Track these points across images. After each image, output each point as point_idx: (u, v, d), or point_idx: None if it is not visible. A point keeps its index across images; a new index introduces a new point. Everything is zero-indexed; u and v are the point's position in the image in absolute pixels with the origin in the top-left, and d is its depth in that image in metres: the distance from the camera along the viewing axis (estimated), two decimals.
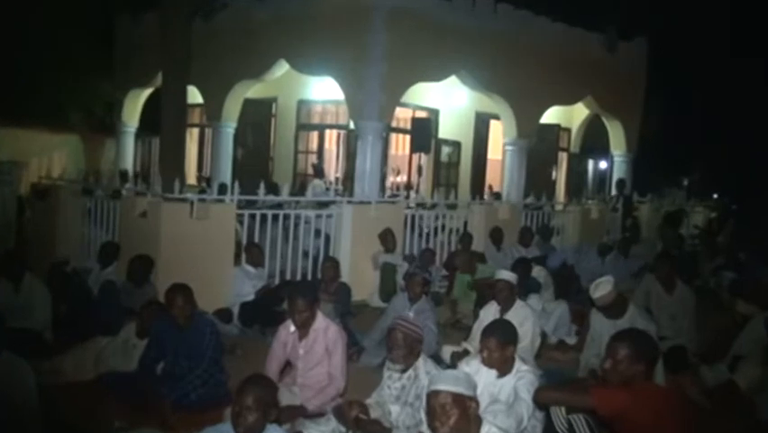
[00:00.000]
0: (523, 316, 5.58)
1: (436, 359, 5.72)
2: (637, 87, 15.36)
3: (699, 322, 7.34)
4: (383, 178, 11.58)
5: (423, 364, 4.04)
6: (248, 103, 13.22)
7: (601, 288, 5.14)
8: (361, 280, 8.21)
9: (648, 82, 15.65)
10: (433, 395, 2.79)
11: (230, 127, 13.17)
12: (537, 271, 7.86)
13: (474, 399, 2.82)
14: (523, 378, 3.89)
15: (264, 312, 6.65)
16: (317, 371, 4.47)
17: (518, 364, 4.00)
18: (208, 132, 14.52)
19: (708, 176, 17.14)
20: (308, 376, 4.49)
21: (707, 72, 28.60)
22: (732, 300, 7.23)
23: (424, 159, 12.78)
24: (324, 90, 12.53)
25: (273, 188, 8.59)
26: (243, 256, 7.39)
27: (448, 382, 2.80)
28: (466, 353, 5.49)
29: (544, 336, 6.66)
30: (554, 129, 15.22)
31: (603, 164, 19.50)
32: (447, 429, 2.72)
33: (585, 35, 13.71)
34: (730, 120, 30.51)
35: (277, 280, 7.77)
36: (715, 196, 20.16)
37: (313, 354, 4.47)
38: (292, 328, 4.56)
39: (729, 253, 9.18)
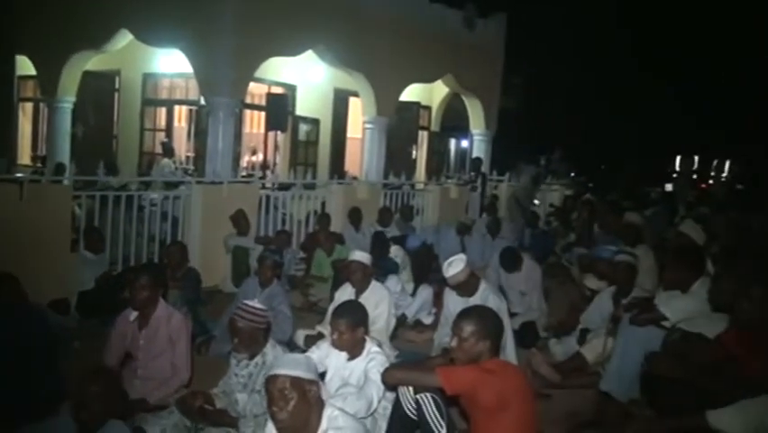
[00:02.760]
0: (378, 297, 5.68)
1: (291, 344, 5.75)
2: (495, 65, 15.91)
3: (551, 297, 7.81)
4: (237, 157, 11.38)
5: (271, 350, 4.02)
6: (88, 76, 12.58)
7: (454, 266, 5.29)
8: (213, 264, 8.08)
9: (506, 60, 16.24)
10: (271, 380, 2.78)
11: (68, 102, 12.52)
12: (395, 252, 8.03)
13: (315, 382, 2.84)
14: (373, 360, 3.96)
15: (105, 302, 6.39)
16: (160, 362, 4.36)
17: (369, 346, 4.07)
18: (44, 107, 13.73)
19: (566, 155, 18.02)
20: (150, 368, 4.36)
21: (566, 50, 30.03)
22: (582, 276, 7.65)
23: (280, 137, 12.73)
24: (172, 63, 12.11)
25: (115, 168, 8.26)
26: (82, 242, 7.10)
27: (286, 366, 2.80)
28: (321, 336, 5.52)
29: (403, 317, 6.86)
30: (414, 107, 15.49)
31: (465, 143, 20.06)
32: (286, 414, 2.72)
33: (444, 11, 14.03)
34: (589, 100, 32.26)
35: (120, 268, 7.51)
36: (572, 174, 21.19)
37: (154, 345, 4.35)
38: (132, 317, 4.42)
39: (581, 230, 9.71)
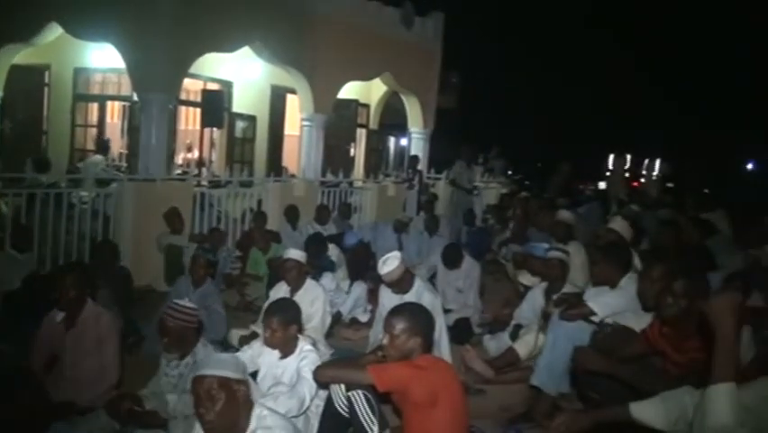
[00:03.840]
0: (313, 295, 5.69)
1: (225, 344, 5.70)
2: (433, 64, 16.01)
3: (486, 294, 7.92)
4: (171, 154, 11.18)
5: (202, 350, 3.98)
6: (16, 70, 12.15)
7: (388, 264, 5.32)
8: (146, 263, 7.96)
9: (444, 59, 16.37)
10: (197, 381, 2.74)
11: None
12: (331, 250, 8.03)
13: (243, 381, 2.81)
14: (306, 358, 3.95)
15: (32, 302, 6.21)
16: (87, 363, 4.26)
17: (302, 345, 4.06)
18: None
19: (503, 153, 18.25)
20: (77, 369, 4.26)
21: (504, 50, 30.43)
22: (516, 272, 7.76)
23: (216, 134, 12.58)
24: (104, 58, 11.81)
25: (44, 165, 8.04)
26: (8, 241, 6.90)
27: (212, 367, 2.77)
28: (255, 335, 5.47)
29: (338, 315, 6.87)
30: (353, 105, 15.46)
31: (404, 141, 20.14)
32: (213, 415, 2.69)
33: (382, 10, 14.05)
34: (527, 100, 32.79)
35: (48, 267, 7.31)
36: (509, 173, 21.46)
37: (81, 346, 4.25)
38: (58, 318, 4.32)
39: (516, 228, 9.83)
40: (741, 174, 38.74)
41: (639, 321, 4.30)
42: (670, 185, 21.49)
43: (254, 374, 4.07)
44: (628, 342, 4.03)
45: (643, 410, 2.87)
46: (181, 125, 13.21)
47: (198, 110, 11.60)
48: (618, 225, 6.68)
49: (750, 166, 41.53)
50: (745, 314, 4.23)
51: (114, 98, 13.04)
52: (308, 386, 3.79)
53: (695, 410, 2.56)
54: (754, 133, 35.47)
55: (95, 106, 13.14)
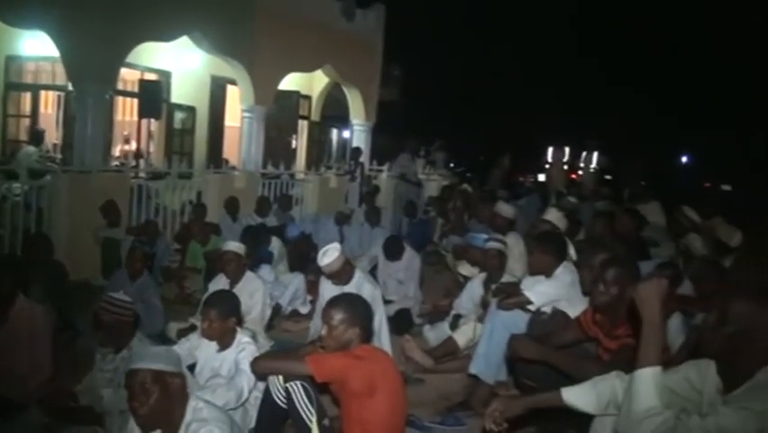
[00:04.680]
0: (253, 287, 5.68)
1: (163, 337, 5.64)
2: (375, 56, 16.02)
3: (427, 285, 7.99)
4: (108, 145, 10.96)
5: (138, 344, 3.94)
6: None
7: (328, 255, 5.33)
8: (81, 257, 7.80)
9: (386, 51, 16.40)
10: (130, 374, 2.71)
11: None
12: (272, 242, 8.00)
13: (178, 374, 2.78)
14: (244, 350, 3.95)
15: None
16: (20, 359, 4.17)
17: (240, 337, 4.05)
18: None
19: (445, 146, 18.40)
20: (9, 365, 4.16)
21: (446, 43, 30.62)
22: (456, 263, 7.85)
23: (154, 125, 12.36)
24: (37, 46, 11.45)
25: None
26: None
27: (146, 360, 2.74)
28: (193, 328, 5.43)
29: (278, 307, 6.86)
30: (294, 96, 15.37)
31: (346, 133, 20.12)
32: (147, 409, 2.66)
33: (323, 1, 13.97)
34: (470, 92, 33.07)
35: None
36: (451, 165, 21.64)
37: (12, 341, 4.15)
38: None
39: (456, 219, 9.94)
40: (676, 167, 39.81)
41: (573, 309, 4.41)
42: (608, 177, 21.98)
43: (192, 367, 4.05)
44: (562, 329, 4.13)
45: (574, 395, 2.94)
46: (118, 116, 12.94)
47: (136, 100, 11.36)
48: (553, 216, 6.80)
49: (684, 159, 42.72)
50: (673, 301, 4.39)
51: (48, 88, 12.67)
52: (246, 378, 3.78)
53: (624, 394, 2.64)
54: (691, 127, 36.55)
55: (28, 96, 12.74)
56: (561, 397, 2.97)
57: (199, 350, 4.11)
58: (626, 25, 37.19)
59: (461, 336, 5.66)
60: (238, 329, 4.08)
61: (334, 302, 3.54)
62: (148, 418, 2.69)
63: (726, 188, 31.76)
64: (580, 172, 21.88)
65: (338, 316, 3.44)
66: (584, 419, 2.98)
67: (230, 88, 14.04)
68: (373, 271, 7.44)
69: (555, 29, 34.77)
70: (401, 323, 6.51)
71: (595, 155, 21.02)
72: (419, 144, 17.09)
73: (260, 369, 3.65)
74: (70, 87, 10.58)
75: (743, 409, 2.34)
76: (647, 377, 2.50)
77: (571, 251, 5.48)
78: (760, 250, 5.76)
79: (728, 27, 32.97)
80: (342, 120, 17.50)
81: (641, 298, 2.60)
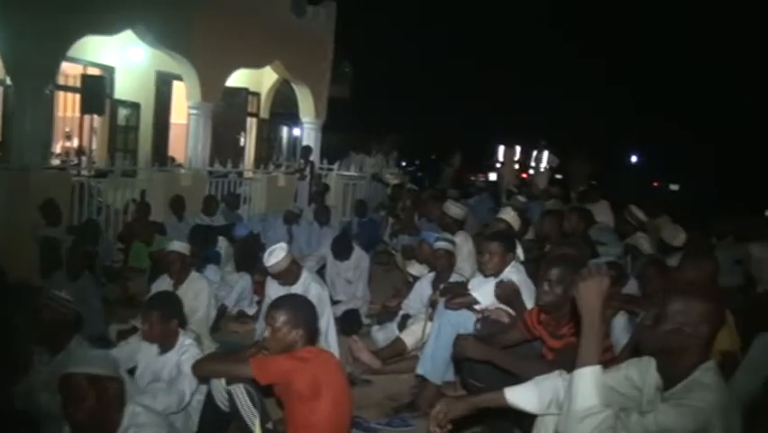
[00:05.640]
0: (198, 288, 5.63)
1: (103, 339, 5.54)
2: (325, 53, 15.98)
3: (376, 285, 8.02)
4: (48, 142, 10.73)
5: (76, 346, 3.86)
6: None
7: (274, 255, 5.30)
8: (19, 257, 7.60)
9: (337, 48, 16.37)
10: (65, 379, 2.66)
11: None
12: (219, 242, 7.95)
13: (114, 379, 2.74)
14: (187, 352, 3.91)
15: None
16: None
17: (183, 339, 4.01)
18: None
19: (396, 144, 18.46)
20: None
21: (398, 41, 30.70)
22: (405, 263, 7.89)
23: (97, 121, 12.11)
24: None
25: None
26: None
27: (81, 364, 2.70)
28: (135, 330, 5.35)
29: (224, 308, 6.80)
30: (243, 93, 15.27)
31: (297, 131, 20.03)
32: (84, 415, 2.62)
33: None
34: (421, 91, 33.23)
35: None
36: (403, 164, 21.71)
37: None
38: None
39: (406, 218, 10.00)
40: (625, 166, 40.58)
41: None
42: (558, 177, 22.27)
43: (132, 371, 3.99)
44: (508, 329, 4.18)
45: (517, 395, 2.98)
46: (59, 112, 12.66)
47: (78, 96, 11.13)
48: (508, 215, 6.89)
49: (634, 159, 43.58)
50: (616, 300, 4.47)
51: None
52: (188, 381, 3.75)
53: (565, 393, 2.68)
54: (638, 127, 37.31)
55: None
56: (504, 397, 3.00)
57: (140, 353, 4.06)
58: (579, 21, 37.81)
59: (410, 337, 5.68)
60: (180, 331, 4.03)
61: (278, 304, 3.53)
62: (83, 424, 2.64)
63: (674, 187, 32.49)
64: (531, 172, 22.14)
65: (281, 317, 3.43)
66: (530, 419, 3.02)
67: (176, 84, 13.85)
68: (322, 271, 7.44)
69: (509, 26, 35.18)
70: (349, 323, 6.52)
71: (545, 154, 21.27)
72: (372, 143, 17.13)
73: (202, 372, 3.62)
74: (9, 82, 10.31)
75: (681, 406, 2.40)
76: (587, 376, 2.53)
77: (519, 251, 5.55)
78: (699, 250, 5.91)
79: (681, 24, 33.74)
80: (292, 117, 17.41)
81: (581, 295, 2.64)
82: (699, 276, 4.42)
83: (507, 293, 4.66)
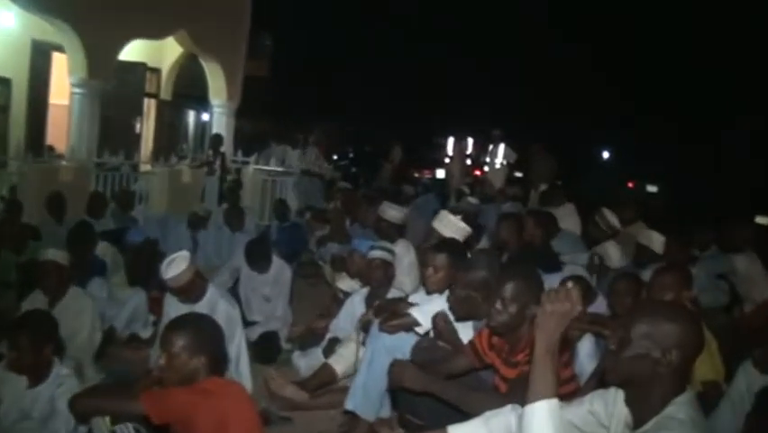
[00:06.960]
0: (79, 306, 5.61)
1: None
2: (241, 25, 15.95)
3: (299, 302, 7.99)
4: None
5: None
6: None
7: (174, 266, 5.23)
8: None
9: (254, 20, 16.31)
10: None
11: None
12: (105, 249, 7.82)
13: None
14: (63, 385, 3.88)
15: None
16: None
17: (58, 369, 3.96)
18: None
19: (325, 134, 18.46)
20: None
21: (327, 17, 30.75)
22: (334, 276, 7.89)
23: None
24: None
25: None
26: None
27: None
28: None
29: (112, 330, 6.70)
30: (139, 69, 15.17)
31: (206, 116, 19.88)
32: None
33: None
34: (354, 71, 33.30)
35: None
36: (334, 158, 21.71)
37: None
38: None
39: (336, 223, 9.98)
40: (596, 164, 41.33)
41: (468, 332, 4.49)
42: (518, 174, 22.54)
43: None
44: (453, 355, 4.20)
45: None
46: None
47: None
48: (445, 224, 6.86)
49: (606, 155, 44.44)
50: (582, 321, 4.54)
51: None
52: (64, 420, 3.71)
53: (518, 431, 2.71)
54: (608, 120, 38.05)
55: None
56: None
57: (4, 386, 3.98)
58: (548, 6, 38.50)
59: (340, 363, 5.67)
60: (56, 360, 3.97)
61: (175, 325, 3.50)
62: None
63: (652, 188, 33.15)
64: (486, 168, 22.35)
65: (180, 341, 3.39)
66: None
67: (56, 57, 13.67)
68: (236, 287, 7.39)
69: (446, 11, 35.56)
70: (266, 349, 6.50)
71: (502, 147, 21.49)
72: (297, 132, 17.11)
73: (83, 408, 3.55)
74: None
75: None
76: (542, 411, 2.55)
77: None
78: (675, 262, 6.04)
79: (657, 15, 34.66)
80: (200, 100, 17.31)
81: (541, 322, 2.64)
82: (672, 293, 4.53)
83: (440, 328, 4.56)
